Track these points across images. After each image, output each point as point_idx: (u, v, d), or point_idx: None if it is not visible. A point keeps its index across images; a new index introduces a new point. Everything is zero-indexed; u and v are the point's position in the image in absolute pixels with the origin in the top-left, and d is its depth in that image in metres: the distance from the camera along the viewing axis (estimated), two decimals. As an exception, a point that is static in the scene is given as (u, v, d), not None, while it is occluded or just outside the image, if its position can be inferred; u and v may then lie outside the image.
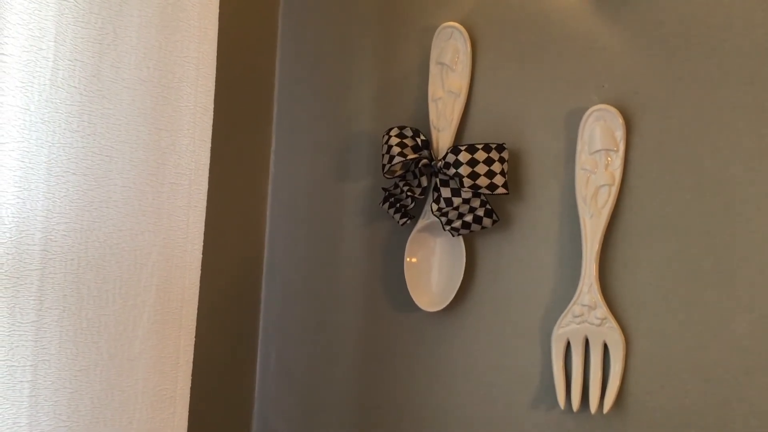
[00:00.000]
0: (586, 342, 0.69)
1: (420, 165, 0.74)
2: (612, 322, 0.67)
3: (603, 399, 0.68)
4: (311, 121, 0.87)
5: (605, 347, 0.68)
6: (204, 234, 0.64)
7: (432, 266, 0.77)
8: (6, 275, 0.51)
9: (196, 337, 0.64)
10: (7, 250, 0.51)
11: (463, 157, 0.71)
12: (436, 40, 0.77)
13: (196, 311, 0.63)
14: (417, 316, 0.78)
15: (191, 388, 0.64)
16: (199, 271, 0.64)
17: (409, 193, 0.75)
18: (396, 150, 0.74)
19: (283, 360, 0.88)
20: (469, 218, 0.72)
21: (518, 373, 0.73)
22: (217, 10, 0.63)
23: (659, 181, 0.67)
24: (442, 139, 0.75)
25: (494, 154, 0.71)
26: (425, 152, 0.75)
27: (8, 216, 0.51)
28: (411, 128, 0.76)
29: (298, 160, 0.88)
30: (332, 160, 0.85)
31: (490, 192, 0.70)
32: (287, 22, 0.90)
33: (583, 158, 0.69)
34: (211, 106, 0.63)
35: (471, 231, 0.73)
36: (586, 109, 0.68)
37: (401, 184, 0.76)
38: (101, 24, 0.55)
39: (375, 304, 0.82)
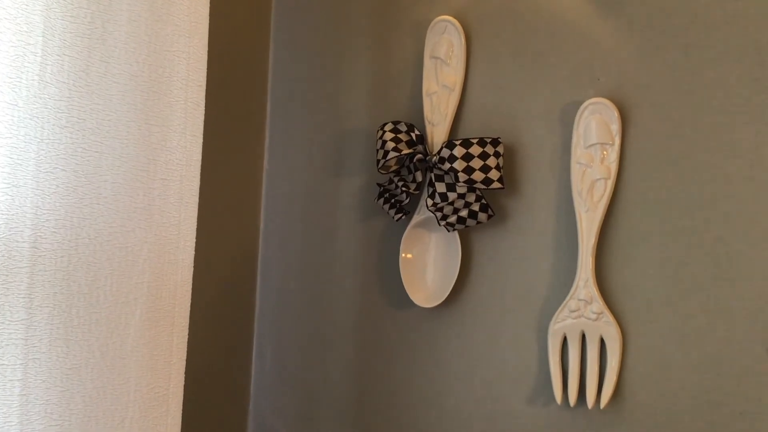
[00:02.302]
0: (583, 337, 0.68)
1: (415, 160, 0.74)
2: (608, 317, 0.67)
3: (600, 394, 0.67)
4: (305, 116, 0.87)
5: (602, 342, 0.68)
6: (197, 230, 0.63)
7: (427, 262, 0.77)
8: (-5, 273, 0.50)
9: (189, 334, 0.63)
10: (-5, 248, 0.50)
11: (458, 151, 0.70)
12: (430, 34, 0.76)
13: (189, 308, 0.63)
14: (413, 312, 0.78)
15: (185, 386, 0.63)
16: (192, 268, 0.63)
17: (403, 189, 0.74)
18: (390, 145, 0.73)
19: (278, 357, 0.88)
20: (464, 213, 0.72)
21: (515, 368, 0.72)
22: (208, 3, 0.63)
23: (655, 174, 0.66)
24: (437, 133, 0.75)
25: (489, 149, 0.70)
26: (420, 147, 0.74)
27: (-3, 213, 0.50)
28: (405, 123, 0.75)
29: (292, 155, 0.87)
30: (326, 155, 0.85)
31: (485, 187, 0.70)
32: (280, 15, 0.89)
33: (578, 152, 0.68)
34: (203, 101, 0.63)
35: (466, 226, 0.73)
36: (582, 102, 0.68)
37: (396, 179, 0.75)
38: (90, 18, 0.54)
39: (370, 300, 0.81)
